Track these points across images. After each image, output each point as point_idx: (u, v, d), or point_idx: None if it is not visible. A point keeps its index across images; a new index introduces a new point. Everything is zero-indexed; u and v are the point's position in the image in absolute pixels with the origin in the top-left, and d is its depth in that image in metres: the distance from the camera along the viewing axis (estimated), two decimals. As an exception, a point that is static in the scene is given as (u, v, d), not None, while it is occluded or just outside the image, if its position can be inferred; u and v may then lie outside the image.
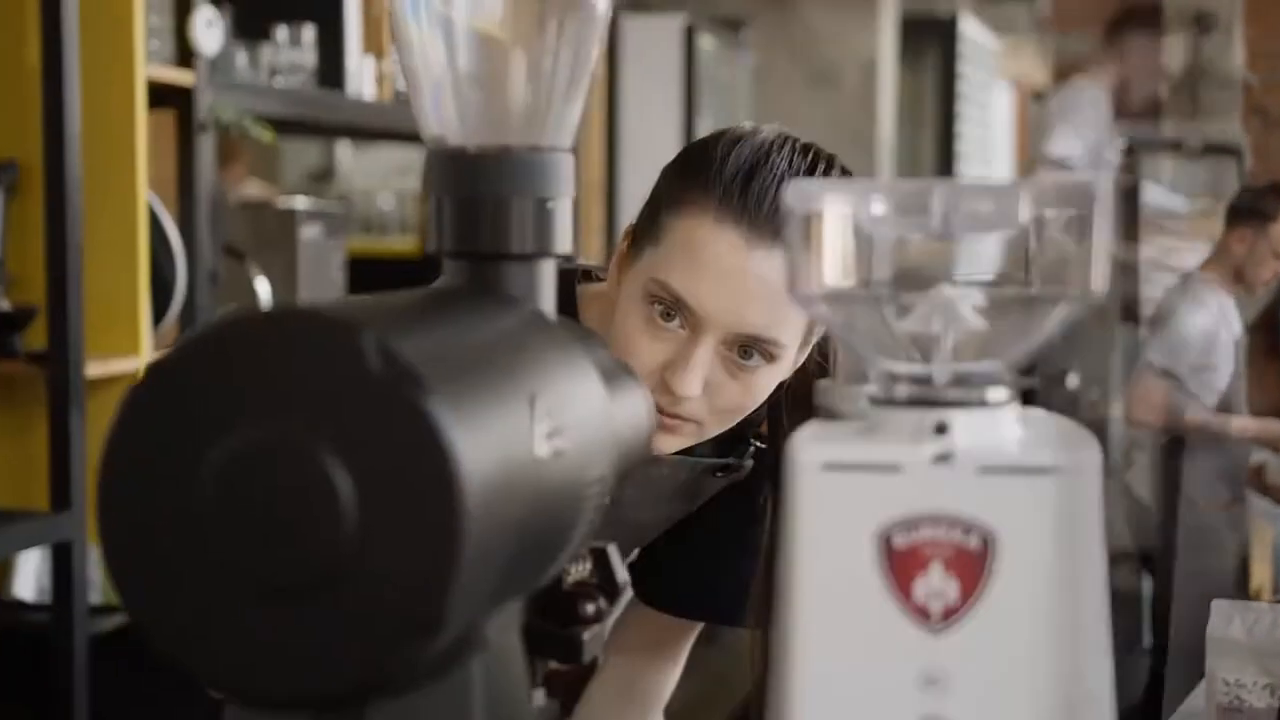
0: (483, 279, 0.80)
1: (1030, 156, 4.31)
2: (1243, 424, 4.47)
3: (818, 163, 1.31)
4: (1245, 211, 4.29)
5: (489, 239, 0.79)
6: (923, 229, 0.71)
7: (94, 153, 2.44)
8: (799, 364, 1.33)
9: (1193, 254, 5.94)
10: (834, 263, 0.71)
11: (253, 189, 4.36)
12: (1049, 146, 4.37)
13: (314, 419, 0.61)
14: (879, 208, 0.71)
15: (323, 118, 3.21)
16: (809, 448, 0.69)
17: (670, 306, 1.26)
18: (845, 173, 1.35)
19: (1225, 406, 4.34)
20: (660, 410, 1.26)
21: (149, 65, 2.54)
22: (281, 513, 0.60)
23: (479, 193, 0.79)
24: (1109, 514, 0.68)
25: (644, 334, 1.27)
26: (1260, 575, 4.48)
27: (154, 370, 0.63)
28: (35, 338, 2.37)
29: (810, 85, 5.27)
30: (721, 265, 1.23)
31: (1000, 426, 0.70)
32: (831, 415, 0.77)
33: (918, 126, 7.05)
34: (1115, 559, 4.16)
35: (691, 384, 1.25)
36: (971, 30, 7.22)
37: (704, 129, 5.70)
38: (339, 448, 0.60)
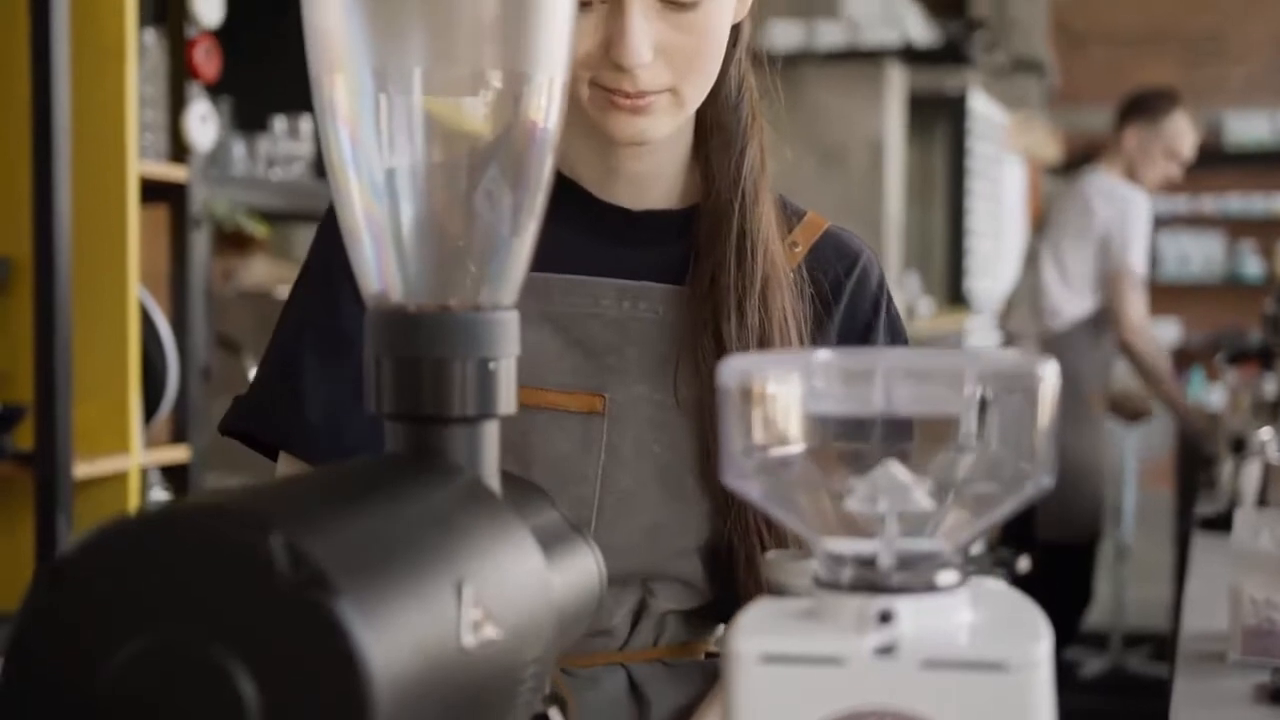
0: (422, 442, 0.77)
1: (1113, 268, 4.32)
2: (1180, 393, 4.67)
3: None
4: (1136, 109, 4.47)
5: (429, 401, 0.77)
6: (864, 406, 0.68)
7: (85, 249, 2.43)
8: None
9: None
10: (771, 439, 0.69)
11: (261, 267, 4.36)
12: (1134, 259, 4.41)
13: (219, 623, 0.58)
14: (818, 384, 0.68)
15: (319, 209, 3.20)
16: (748, 638, 0.66)
17: None
18: None
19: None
20: (624, 94, 1.17)
21: (142, 161, 2.53)
22: (182, 723, 0.58)
23: (419, 353, 0.77)
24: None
25: (583, 21, 1.16)
26: None
27: (56, 570, 0.61)
28: (23, 437, 2.35)
29: (818, 165, 5.27)
30: None
31: (949, 613, 0.67)
32: (779, 590, 0.74)
33: (928, 203, 7.04)
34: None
35: (636, 50, 1.14)
36: (981, 105, 7.23)
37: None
38: (245, 654, 0.58)
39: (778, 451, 0.69)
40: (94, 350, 2.46)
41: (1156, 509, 6.28)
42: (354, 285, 0.82)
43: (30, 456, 2.33)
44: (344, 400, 1.22)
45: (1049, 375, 0.66)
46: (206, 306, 2.72)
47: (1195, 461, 4.58)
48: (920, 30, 5.46)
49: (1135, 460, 6.01)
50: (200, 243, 2.65)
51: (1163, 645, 5.09)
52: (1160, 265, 9.95)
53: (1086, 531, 4.37)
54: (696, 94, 1.21)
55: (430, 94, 0.77)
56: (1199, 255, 9.94)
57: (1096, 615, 5.77)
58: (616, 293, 1.26)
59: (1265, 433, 2.91)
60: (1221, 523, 2.75)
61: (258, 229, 2.78)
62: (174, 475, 2.72)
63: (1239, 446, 3.17)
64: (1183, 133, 4.43)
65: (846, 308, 1.30)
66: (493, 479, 0.77)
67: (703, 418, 1.22)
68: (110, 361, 2.47)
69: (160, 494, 2.75)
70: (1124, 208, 4.38)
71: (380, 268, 0.79)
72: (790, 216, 1.31)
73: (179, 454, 2.68)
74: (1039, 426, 0.67)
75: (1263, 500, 2.75)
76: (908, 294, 5.93)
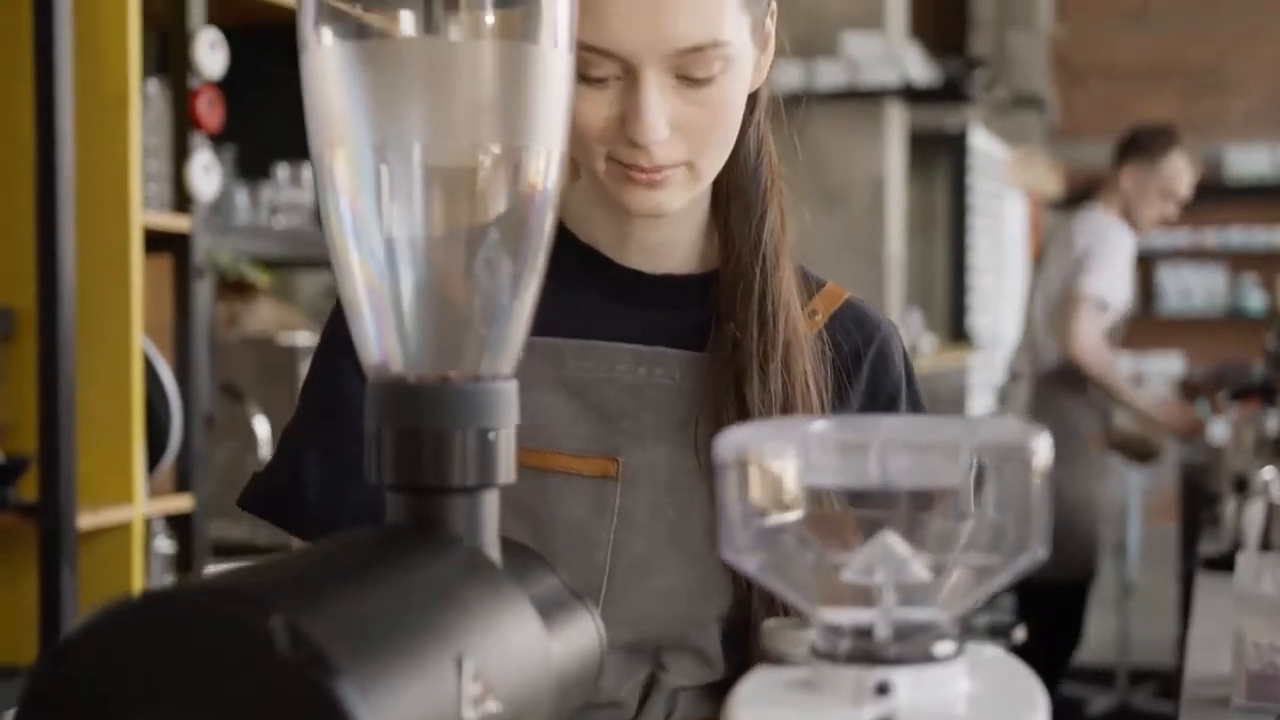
0: (423, 513, 0.78)
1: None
2: (1146, 402, 4.63)
3: None
4: (1133, 149, 4.47)
5: (430, 472, 0.77)
6: (860, 478, 0.68)
7: (89, 300, 2.44)
8: (763, 66, 1.24)
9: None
10: (768, 511, 0.69)
11: (265, 310, 4.37)
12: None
13: (221, 704, 0.59)
14: (814, 457, 0.69)
15: (322, 256, 3.22)
16: (746, 709, 0.66)
17: (595, 62, 1.14)
18: None
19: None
20: (640, 169, 1.17)
21: (146, 211, 2.55)
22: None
23: (419, 424, 0.77)
24: None
25: (581, 102, 1.15)
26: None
27: (59, 651, 0.61)
28: (27, 488, 2.36)
29: (820, 204, 5.29)
30: None
31: (946, 683, 0.67)
32: (778, 658, 0.75)
33: (929, 239, 7.06)
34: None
35: (651, 127, 1.14)
36: (981, 142, 7.25)
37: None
38: (246, 734, 0.58)
39: (774, 523, 0.70)
40: (98, 400, 2.47)
41: (1162, 544, 6.27)
42: (356, 360, 0.83)
43: (34, 508, 2.33)
44: (343, 480, 1.23)
45: (1042, 447, 0.67)
46: (210, 353, 2.74)
47: (1199, 498, 4.58)
48: (919, 69, 5.48)
49: (1140, 496, 6.01)
50: (203, 292, 2.67)
51: (1168, 682, 5.08)
52: (1162, 299, 9.97)
53: (1080, 571, 4.35)
54: (713, 166, 1.21)
55: (430, 167, 0.78)
56: (1201, 288, 9.95)
57: (1102, 652, 5.76)
58: (632, 358, 1.25)
59: (1268, 472, 2.91)
60: (1225, 563, 2.74)
61: (260, 278, 2.79)
62: (178, 524, 2.72)
63: (1241, 486, 3.17)
64: (1179, 172, 4.43)
65: (868, 380, 1.29)
66: (493, 548, 0.78)
67: None
68: (114, 412, 2.48)
69: (164, 543, 2.76)
70: (1099, 236, 4.40)
71: (380, 339, 0.79)
72: (810, 285, 1.31)
73: (182, 503, 2.68)
74: (1033, 497, 0.67)
75: (1266, 541, 2.74)
76: (910, 331, 5.94)
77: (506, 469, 0.79)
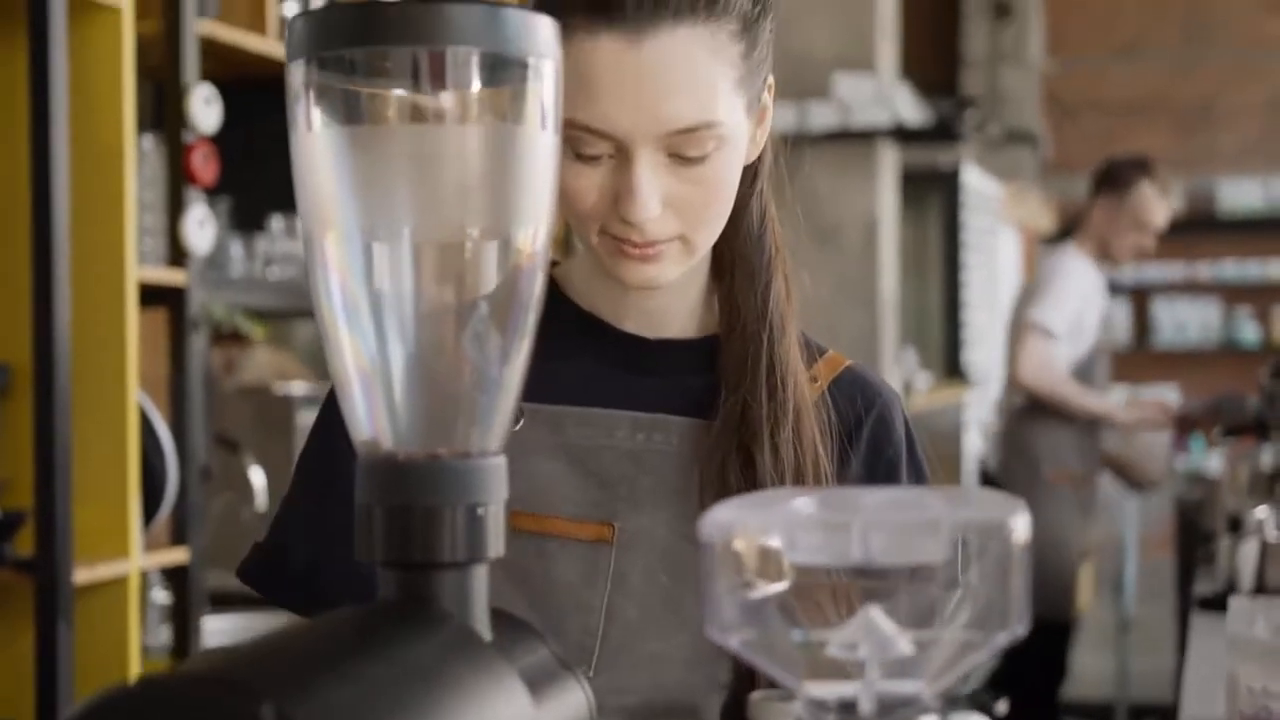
0: (413, 588, 0.79)
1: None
2: (1109, 405, 4.57)
3: None
4: (1103, 182, 4.47)
5: (420, 548, 0.79)
6: (843, 557, 0.70)
7: (85, 354, 2.46)
8: (760, 139, 1.24)
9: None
10: (753, 588, 0.70)
11: (263, 357, 4.38)
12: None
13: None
14: (798, 536, 0.70)
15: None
16: (732, 786, 0.67)
17: (588, 141, 1.14)
18: None
19: (1080, 378, 4.44)
20: (633, 244, 1.17)
21: (141, 266, 2.56)
22: None
23: (409, 501, 0.79)
24: None
25: (574, 179, 1.16)
26: (1086, 592, 4.53)
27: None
28: (23, 544, 2.37)
29: (813, 244, 5.31)
30: (610, 75, 1.12)
31: (929, 757, 0.68)
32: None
33: (923, 276, 7.08)
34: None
35: (644, 206, 1.14)
36: (974, 179, 7.28)
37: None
38: (239, 821, 0.59)
39: (759, 600, 0.71)
40: (93, 455, 2.47)
41: (1160, 577, 6.27)
42: (347, 436, 0.85)
43: (30, 563, 2.34)
44: (336, 555, 1.24)
45: (1020, 525, 0.68)
46: (206, 404, 2.75)
47: (1195, 534, 4.58)
48: (911, 110, 5.51)
49: (1136, 530, 6.01)
50: (198, 345, 2.68)
51: (1167, 718, 5.07)
52: (1157, 332, 9.99)
53: (1055, 609, 4.31)
54: (707, 240, 1.21)
55: (419, 247, 0.80)
56: (1195, 322, 9.98)
57: (1100, 687, 5.75)
58: (631, 424, 1.25)
59: (1261, 511, 2.91)
60: (1220, 603, 2.74)
61: (255, 330, 2.81)
62: (174, 576, 2.73)
63: (1235, 525, 3.17)
64: (1148, 202, 4.42)
65: (868, 446, 1.29)
66: (482, 622, 0.79)
67: None
68: (110, 466, 2.48)
69: (160, 594, 2.76)
70: (1054, 267, 4.42)
71: (370, 416, 0.81)
72: (811, 351, 1.32)
73: (178, 555, 2.69)
74: (1012, 574, 0.68)
75: (1260, 581, 2.74)
76: (905, 369, 5.95)
77: (496, 543, 0.80)
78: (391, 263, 0.80)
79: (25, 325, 2.40)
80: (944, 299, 7.10)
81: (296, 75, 0.79)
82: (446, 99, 0.80)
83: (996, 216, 7.96)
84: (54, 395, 2.37)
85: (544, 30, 0.80)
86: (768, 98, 1.24)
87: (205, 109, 2.67)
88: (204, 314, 2.69)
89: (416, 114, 0.83)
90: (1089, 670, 6.66)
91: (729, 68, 1.15)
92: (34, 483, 2.36)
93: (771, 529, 0.70)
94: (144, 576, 2.64)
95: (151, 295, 2.64)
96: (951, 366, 7.04)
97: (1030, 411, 4.40)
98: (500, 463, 0.81)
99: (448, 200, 0.80)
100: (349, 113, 0.81)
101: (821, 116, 5.22)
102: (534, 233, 0.81)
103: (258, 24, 2.96)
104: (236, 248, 2.94)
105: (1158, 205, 4.43)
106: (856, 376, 1.33)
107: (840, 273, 5.34)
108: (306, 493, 1.30)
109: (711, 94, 1.14)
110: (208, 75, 2.73)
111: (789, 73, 5.53)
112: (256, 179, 2.80)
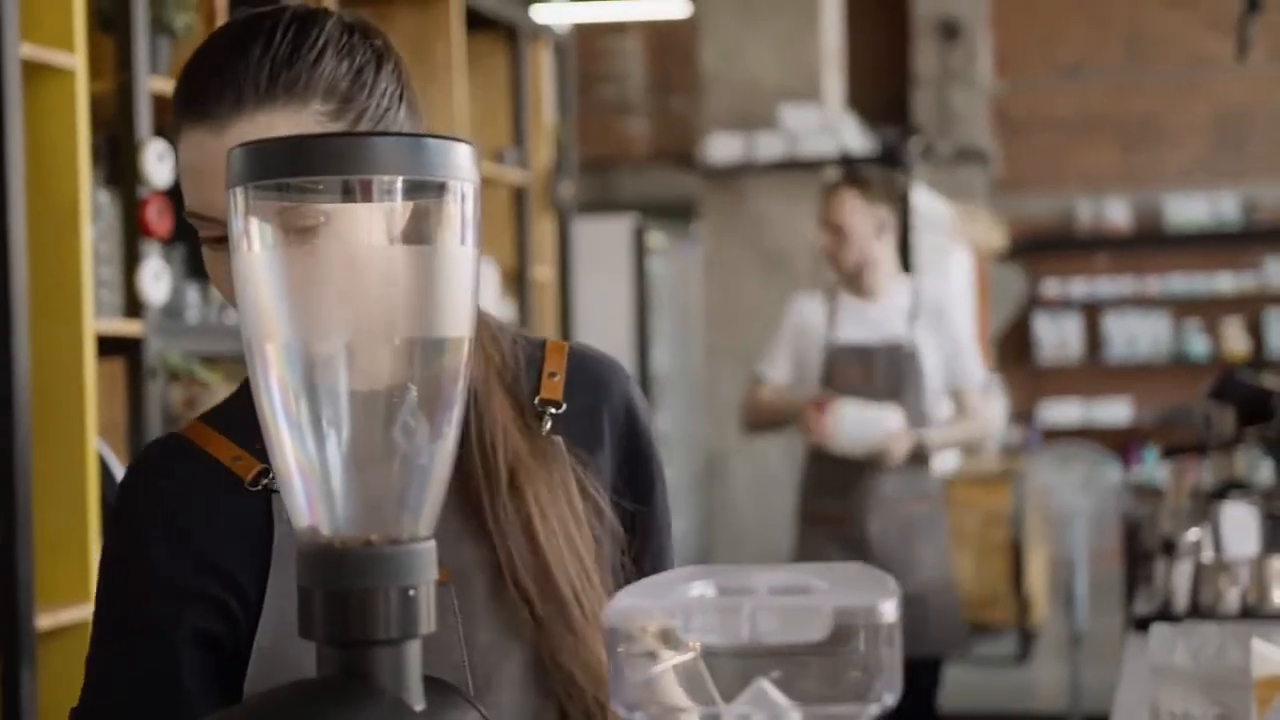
0: (351, 665, 0.87)
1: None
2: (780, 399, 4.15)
3: (265, 22, 1.21)
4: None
5: (356, 628, 0.86)
6: (735, 638, 0.78)
7: (44, 405, 2.52)
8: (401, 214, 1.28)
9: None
10: (653, 668, 0.78)
11: (222, 392, 4.44)
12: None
13: None
14: (693, 620, 0.78)
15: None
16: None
17: (205, 226, 1.21)
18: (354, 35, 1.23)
19: None
20: None
21: (98, 318, 2.62)
22: None
23: (346, 585, 0.86)
24: None
25: (212, 266, 1.22)
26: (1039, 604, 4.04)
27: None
28: (-14, 591, 2.43)
29: (761, 271, 5.39)
30: (202, 163, 1.18)
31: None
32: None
33: (875, 298, 7.16)
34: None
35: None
36: (924, 201, 7.38)
37: (656, 321, 5.83)
38: None
39: (657, 677, 0.79)
40: (54, 503, 2.53)
41: (1113, 589, 6.37)
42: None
43: (-7, 610, 2.40)
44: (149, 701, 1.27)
45: (889, 608, 0.76)
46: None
47: (1138, 551, 4.65)
48: (857, 140, 5.61)
49: (1086, 543, 6.11)
50: (155, 393, 2.74)
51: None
52: (1108, 346, 10.14)
53: (935, 648, 4.10)
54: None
55: (351, 352, 0.88)
56: (1146, 335, 10.13)
57: (1055, 700, 5.85)
58: None
59: (1194, 533, 2.98)
60: (1155, 623, 2.81)
61: (211, 378, 2.88)
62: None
63: (1169, 547, 3.24)
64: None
65: (621, 430, 1.34)
66: (416, 694, 0.87)
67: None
68: (70, 513, 2.54)
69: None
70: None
71: (309, 505, 0.88)
72: (532, 346, 1.34)
73: (140, 597, 2.74)
74: (882, 654, 0.76)
75: (1194, 602, 2.82)
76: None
77: (427, 620, 0.88)
78: (326, 366, 0.88)
79: (-15, 377, 2.47)
80: (896, 319, 7.17)
81: (237, 201, 0.87)
82: (373, 221, 0.88)
83: (948, 236, 8.07)
84: (14, 445, 2.43)
85: (462, 156, 0.87)
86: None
87: (158, 164, 2.73)
88: (161, 362, 2.75)
89: (346, 235, 0.91)
90: (1042, 682, 6.77)
91: None
92: (-4, 531, 2.42)
93: (671, 614, 0.78)
94: (105, 620, 2.69)
95: (109, 345, 2.70)
96: (905, 385, 7.11)
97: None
98: (430, 546, 0.88)
99: (377, 310, 0.88)
100: (284, 235, 0.88)
101: (769, 146, 5.31)
102: (458, 333, 0.89)
103: (210, 77, 3.02)
104: (193, 294, 3.00)
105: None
106: (586, 356, 1.36)
107: (789, 297, 5.43)
108: (113, 645, 1.27)
109: None
110: (159, 128, 2.79)
111: (736, 103, 5.63)
112: (211, 227, 2.86)
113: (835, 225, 4.04)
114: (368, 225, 0.89)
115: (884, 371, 4.05)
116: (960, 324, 4.06)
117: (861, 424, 3.92)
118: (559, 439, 1.30)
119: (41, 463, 2.50)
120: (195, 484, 1.27)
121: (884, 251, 4.05)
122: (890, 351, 4.03)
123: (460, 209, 0.88)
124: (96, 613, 1.29)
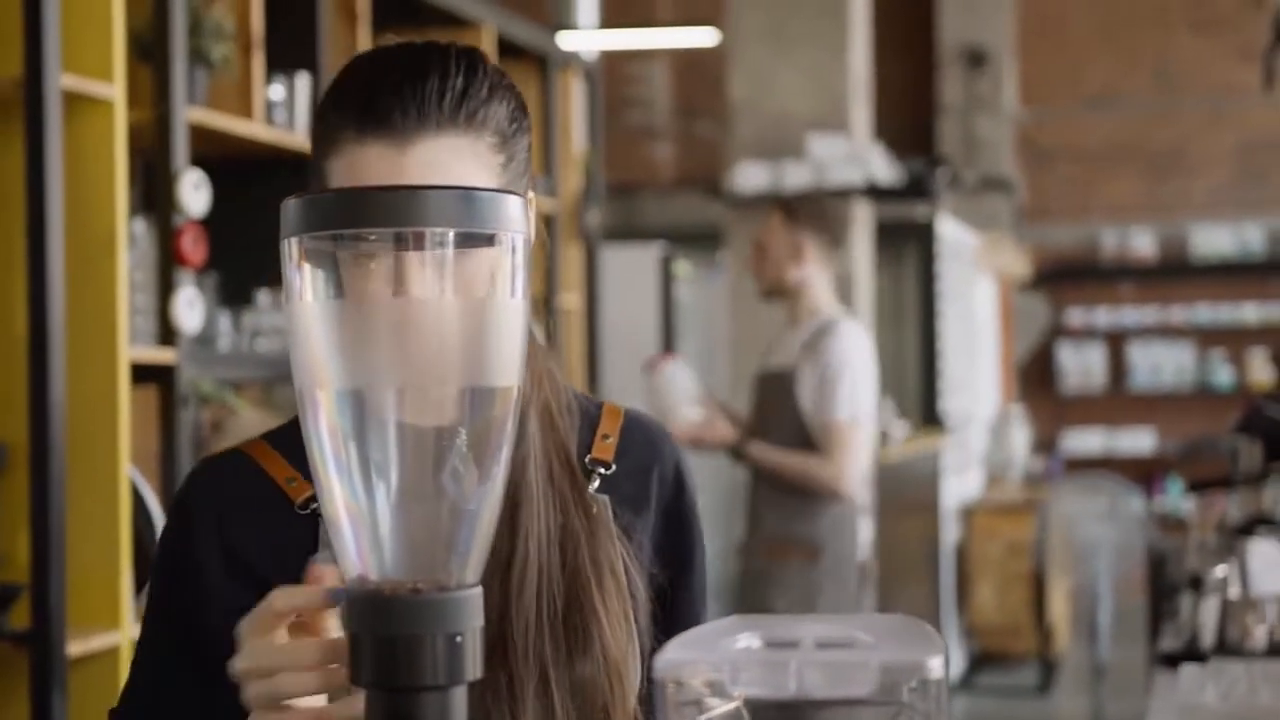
0: (397, 710, 0.88)
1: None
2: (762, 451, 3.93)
3: (433, 52, 1.23)
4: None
5: (404, 673, 0.87)
6: (781, 691, 0.79)
7: (79, 432, 2.54)
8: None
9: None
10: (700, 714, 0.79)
11: (249, 415, 4.45)
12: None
13: None
14: (741, 674, 0.79)
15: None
16: None
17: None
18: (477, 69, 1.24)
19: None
20: None
21: (133, 346, 2.65)
22: None
23: (394, 631, 0.88)
24: None
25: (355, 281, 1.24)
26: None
27: None
28: (19, 617, 2.44)
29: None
30: (379, 178, 1.18)
31: None
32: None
33: (900, 326, 7.17)
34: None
35: None
36: (949, 230, 7.39)
37: (682, 349, 5.84)
38: None
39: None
40: (87, 529, 2.55)
41: (1137, 620, 6.34)
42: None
43: (25, 636, 2.42)
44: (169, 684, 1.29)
45: (936, 664, 0.77)
46: (195, 476, 2.82)
47: (1163, 585, 4.63)
48: (884, 169, 5.62)
49: (1110, 574, 6.09)
50: (188, 420, 2.76)
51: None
52: (1132, 375, 10.11)
53: None
54: None
55: (401, 401, 0.89)
56: (1170, 365, 10.10)
57: (1077, 736, 5.83)
58: None
59: (1221, 569, 2.97)
60: (1183, 659, 2.81)
61: (239, 404, 2.90)
62: (165, 643, 2.79)
63: (1196, 583, 3.23)
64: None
65: (669, 491, 1.36)
66: (461, 742, 0.88)
67: None
68: (103, 540, 2.56)
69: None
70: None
71: (359, 553, 0.90)
72: (588, 406, 1.36)
73: (169, 622, 2.75)
74: (932, 706, 0.77)
75: (1221, 639, 2.81)
76: (882, 419, 6.04)
77: (474, 667, 0.89)
78: (376, 413, 0.89)
79: (22, 405, 2.49)
80: (921, 348, 7.19)
81: (291, 250, 0.88)
82: (425, 273, 0.90)
83: (973, 265, 8.07)
84: (49, 472, 2.45)
85: (513, 208, 0.89)
86: (530, 212, 1.29)
87: (194, 194, 2.76)
88: (193, 390, 2.77)
89: (398, 287, 0.92)
90: (1064, 713, 6.74)
91: (489, 176, 1.23)
92: (30, 557, 2.44)
93: (719, 668, 0.79)
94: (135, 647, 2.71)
95: (142, 373, 2.72)
96: (929, 414, 7.12)
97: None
98: (476, 593, 0.90)
99: (428, 360, 0.89)
100: (337, 286, 0.90)
101: (796, 175, 5.32)
102: (506, 382, 0.90)
103: (244, 108, 3.06)
104: (225, 322, 3.02)
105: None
106: (639, 420, 1.38)
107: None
108: (162, 637, 1.30)
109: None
110: (196, 156, 2.82)
111: (764, 132, 5.63)
112: (244, 255, 2.89)
113: (756, 243, 4.03)
114: (420, 276, 0.91)
115: (760, 399, 3.98)
116: (843, 354, 3.80)
117: (675, 386, 3.91)
118: (605, 497, 1.31)
119: (75, 489, 2.52)
120: (251, 500, 1.28)
121: (806, 278, 3.94)
122: (773, 378, 3.93)
123: (510, 260, 0.89)
124: (145, 614, 1.32)
